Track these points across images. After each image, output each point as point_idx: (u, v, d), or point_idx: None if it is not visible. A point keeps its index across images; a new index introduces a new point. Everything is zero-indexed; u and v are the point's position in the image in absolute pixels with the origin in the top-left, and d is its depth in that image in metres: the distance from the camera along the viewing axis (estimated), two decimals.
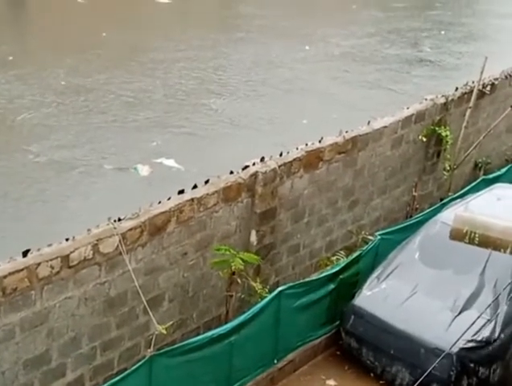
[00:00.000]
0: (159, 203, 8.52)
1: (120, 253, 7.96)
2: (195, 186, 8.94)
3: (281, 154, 10.02)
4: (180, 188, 8.81)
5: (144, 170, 15.46)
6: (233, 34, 27.18)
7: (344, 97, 20.88)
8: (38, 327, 7.54)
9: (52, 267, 7.42)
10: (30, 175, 15.16)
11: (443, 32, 29.28)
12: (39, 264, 7.31)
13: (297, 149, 10.22)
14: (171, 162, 15.85)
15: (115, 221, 7.98)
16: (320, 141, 10.53)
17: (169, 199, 8.61)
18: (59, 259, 7.46)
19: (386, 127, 11.51)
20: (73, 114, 18.52)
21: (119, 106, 19.30)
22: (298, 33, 27.28)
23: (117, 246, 7.91)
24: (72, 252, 7.56)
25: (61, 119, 18.12)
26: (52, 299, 7.55)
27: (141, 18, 27.76)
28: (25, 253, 7.33)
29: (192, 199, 8.72)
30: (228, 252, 8.84)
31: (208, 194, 8.90)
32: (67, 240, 7.64)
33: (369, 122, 11.44)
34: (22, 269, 7.19)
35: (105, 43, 24.22)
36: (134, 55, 23.38)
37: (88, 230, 7.82)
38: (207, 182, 9.07)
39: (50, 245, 7.54)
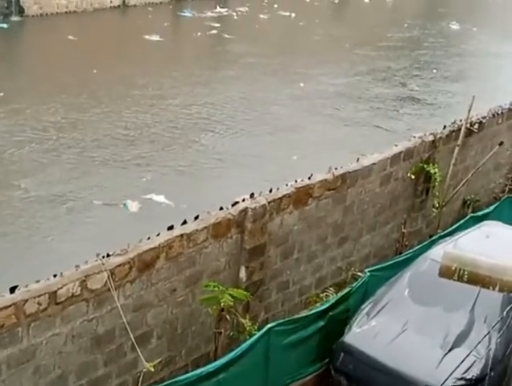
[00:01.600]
0: (148, 238, 8.49)
1: (108, 289, 7.91)
2: (184, 222, 8.93)
3: (271, 191, 10.04)
4: (170, 224, 8.80)
5: (133, 206, 15.47)
6: (226, 72, 27.45)
7: (334, 134, 21.06)
8: (24, 364, 7.45)
9: (40, 303, 7.36)
10: (19, 211, 15.13)
11: (434, 71, 29.67)
12: (26, 300, 7.25)
13: (287, 185, 10.25)
14: (160, 198, 15.88)
15: (103, 257, 7.94)
16: (309, 178, 10.56)
17: (158, 234, 8.59)
18: (46, 295, 7.40)
19: (374, 164, 11.58)
20: (64, 150, 18.58)
21: (111, 142, 19.38)
22: (291, 71, 27.60)
23: (106, 282, 7.86)
24: (59, 289, 7.50)
25: (52, 155, 18.18)
26: (39, 336, 7.48)
27: (132, 55, 28.02)
28: (12, 290, 7.28)
29: (182, 235, 8.70)
30: (217, 289, 8.80)
31: (197, 230, 8.89)
32: (54, 276, 7.59)
33: (358, 159, 11.50)
34: (9, 306, 7.13)
35: (96, 80, 24.38)
36: (127, 91, 23.54)
37: (77, 266, 7.78)
38: (196, 218, 9.06)
39: (37, 281, 7.49)
